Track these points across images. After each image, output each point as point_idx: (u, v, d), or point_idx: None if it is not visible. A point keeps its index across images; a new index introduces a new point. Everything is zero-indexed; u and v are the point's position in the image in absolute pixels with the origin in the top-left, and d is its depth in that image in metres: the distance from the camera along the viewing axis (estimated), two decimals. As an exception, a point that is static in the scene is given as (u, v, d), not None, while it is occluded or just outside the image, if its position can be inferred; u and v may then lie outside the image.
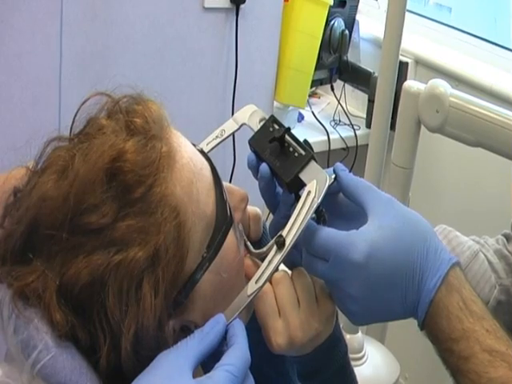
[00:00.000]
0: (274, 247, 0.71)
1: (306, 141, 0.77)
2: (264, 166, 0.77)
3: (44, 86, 1.72)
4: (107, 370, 0.63)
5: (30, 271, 0.63)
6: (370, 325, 1.97)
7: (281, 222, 0.76)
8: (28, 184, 0.68)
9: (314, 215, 0.74)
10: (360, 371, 0.86)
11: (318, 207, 0.73)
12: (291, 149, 0.75)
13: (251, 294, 0.70)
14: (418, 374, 2.22)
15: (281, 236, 0.71)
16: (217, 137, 0.81)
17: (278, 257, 0.71)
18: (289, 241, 0.71)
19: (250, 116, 0.81)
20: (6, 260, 0.65)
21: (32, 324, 0.62)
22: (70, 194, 0.63)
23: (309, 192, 0.73)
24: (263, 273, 0.71)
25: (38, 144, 0.69)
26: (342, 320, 0.80)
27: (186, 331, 0.66)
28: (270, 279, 0.72)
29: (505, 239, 0.89)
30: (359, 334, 1.78)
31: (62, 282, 0.62)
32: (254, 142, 0.78)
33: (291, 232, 0.71)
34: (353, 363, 0.84)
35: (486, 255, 0.87)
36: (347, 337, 0.81)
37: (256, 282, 0.71)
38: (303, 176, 0.74)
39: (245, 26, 1.96)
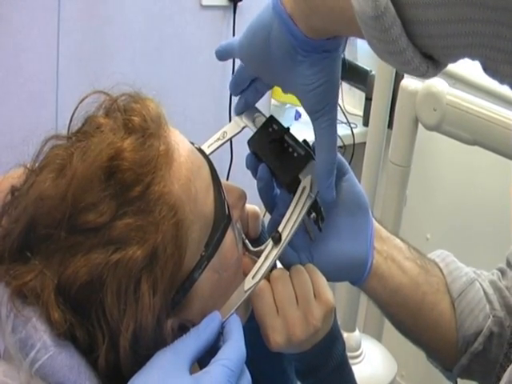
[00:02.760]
0: (271, 243, 0.72)
1: (305, 141, 0.77)
2: (263, 167, 0.76)
3: (41, 82, 1.71)
4: (106, 369, 0.63)
5: (28, 270, 0.63)
6: (367, 323, 1.98)
7: (278, 220, 0.76)
8: (26, 183, 0.68)
9: (313, 214, 0.74)
10: (357, 369, 0.86)
11: (317, 204, 0.74)
12: (291, 149, 0.75)
13: (248, 289, 0.71)
14: (414, 372, 2.22)
15: (277, 231, 0.72)
16: (218, 139, 0.81)
17: (275, 252, 0.71)
18: (285, 236, 0.71)
19: (251, 117, 0.80)
20: (3, 259, 0.65)
21: (30, 323, 0.62)
22: (68, 193, 0.62)
23: (304, 187, 0.73)
24: (260, 268, 0.71)
25: (36, 142, 0.69)
26: (340, 318, 0.80)
27: (184, 330, 0.66)
28: (267, 275, 0.72)
29: (500, 273, 0.89)
30: (356, 332, 1.78)
31: (61, 281, 0.62)
32: (253, 143, 0.78)
33: (287, 227, 0.72)
34: (350, 361, 0.84)
35: (481, 284, 0.87)
36: (344, 335, 0.81)
37: (253, 278, 0.71)
38: (302, 176, 0.74)
39: (242, 24, 1.96)
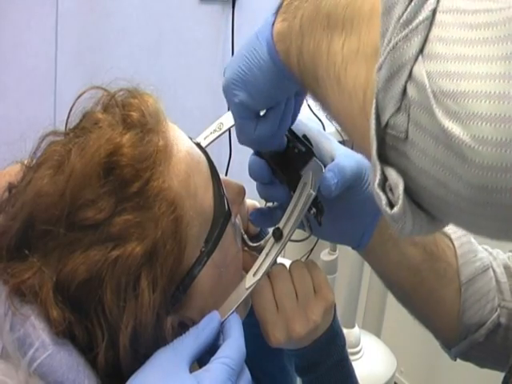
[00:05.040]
0: (272, 239, 0.71)
1: (305, 136, 0.76)
2: (262, 163, 0.75)
3: (39, 77, 1.71)
4: (105, 368, 0.63)
5: (27, 268, 0.63)
6: (367, 319, 1.98)
7: (277, 215, 0.75)
8: (23, 180, 0.67)
9: (313, 210, 0.73)
10: (356, 366, 0.85)
11: (317, 199, 0.73)
12: (291, 145, 0.74)
13: (249, 286, 0.70)
14: (413, 368, 2.22)
15: (278, 228, 0.71)
16: (215, 130, 0.80)
17: (276, 249, 0.71)
18: (286, 232, 0.71)
19: None
20: (1, 257, 0.65)
21: (28, 321, 0.61)
22: (67, 190, 0.62)
23: (305, 183, 0.72)
24: (261, 265, 0.71)
25: (33, 138, 0.69)
26: (340, 314, 0.80)
27: (184, 328, 0.66)
28: (267, 272, 0.72)
29: None
30: (356, 328, 1.78)
31: (59, 279, 0.61)
32: None
33: (288, 224, 0.71)
34: (350, 358, 0.84)
35: (495, 271, 0.84)
36: (344, 331, 0.81)
37: (254, 275, 0.70)
38: (303, 172, 0.73)
39: (241, 19, 1.96)
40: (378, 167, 0.44)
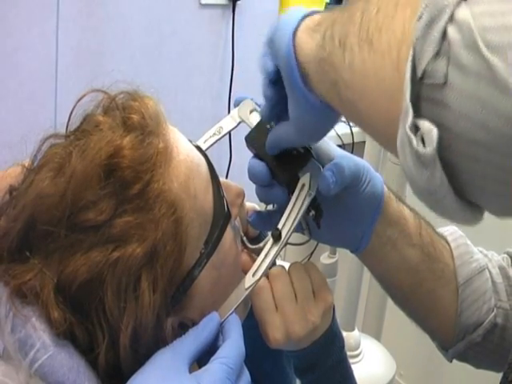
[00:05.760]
0: (270, 240, 0.72)
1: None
2: (261, 165, 0.75)
3: (40, 81, 1.71)
4: (105, 369, 0.63)
5: (28, 269, 0.63)
6: (366, 322, 1.97)
7: (274, 216, 0.76)
8: (24, 182, 0.68)
9: (312, 212, 0.74)
10: (356, 369, 0.85)
11: (315, 201, 0.73)
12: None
13: (248, 287, 0.70)
14: (413, 371, 2.22)
15: (277, 229, 0.71)
16: (214, 134, 0.80)
17: (275, 249, 0.71)
18: (285, 233, 0.71)
19: (247, 112, 0.80)
20: (2, 258, 0.65)
21: (29, 322, 0.62)
22: (68, 191, 0.62)
23: (303, 185, 0.73)
24: (260, 266, 0.71)
25: (34, 141, 0.69)
26: (339, 317, 0.80)
27: (184, 328, 0.66)
28: (266, 273, 0.72)
29: (509, 260, 0.87)
30: (355, 331, 1.78)
31: (60, 280, 0.62)
32: (250, 139, 0.77)
33: (287, 224, 0.72)
34: (349, 360, 0.84)
35: (491, 272, 0.84)
36: (344, 334, 0.81)
37: (253, 275, 0.71)
38: (301, 173, 0.74)
39: (241, 23, 1.96)
40: (411, 111, 0.44)
